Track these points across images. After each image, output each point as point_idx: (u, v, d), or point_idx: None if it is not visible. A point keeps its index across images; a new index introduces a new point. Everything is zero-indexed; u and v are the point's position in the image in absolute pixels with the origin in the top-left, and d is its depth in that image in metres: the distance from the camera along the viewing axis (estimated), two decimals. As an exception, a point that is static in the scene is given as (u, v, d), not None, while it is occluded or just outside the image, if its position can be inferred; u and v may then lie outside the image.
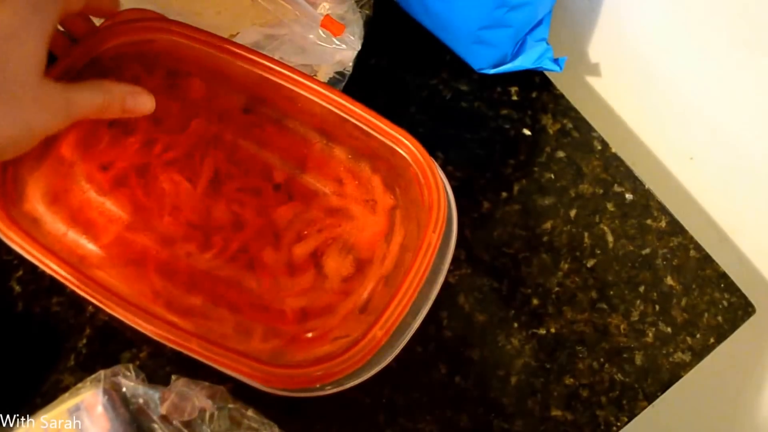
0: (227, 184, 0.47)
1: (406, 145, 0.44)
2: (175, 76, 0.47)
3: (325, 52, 0.57)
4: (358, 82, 0.58)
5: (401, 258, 0.44)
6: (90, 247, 0.43)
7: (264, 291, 0.44)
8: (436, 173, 0.43)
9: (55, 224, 0.42)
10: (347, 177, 0.47)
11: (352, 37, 0.56)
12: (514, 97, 0.63)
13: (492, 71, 0.61)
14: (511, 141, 0.62)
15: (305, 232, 0.46)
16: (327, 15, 0.53)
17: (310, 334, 0.43)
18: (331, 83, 0.58)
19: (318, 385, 0.39)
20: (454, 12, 0.56)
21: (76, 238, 0.43)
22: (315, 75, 0.58)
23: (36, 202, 0.42)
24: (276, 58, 0.58)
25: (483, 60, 0.61)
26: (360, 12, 0.59)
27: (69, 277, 0.39)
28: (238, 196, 0.46)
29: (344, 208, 0.47)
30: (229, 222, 0.46)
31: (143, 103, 0.43)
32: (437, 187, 0.42)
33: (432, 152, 0.57)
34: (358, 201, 0.47)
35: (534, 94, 0.64)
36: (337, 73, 0.58)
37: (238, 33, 0.58)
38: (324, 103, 0.45)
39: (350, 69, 0.58)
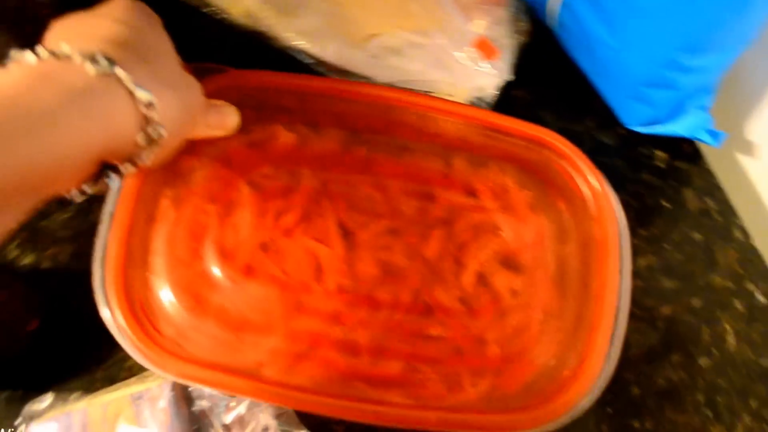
0: (361, 232, 0.43)
1: (544, 140, 0.46)
2: (259, 129, 0.44)
3: (467, 72, 0.53)
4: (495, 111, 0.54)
5: (560, 252, 0.44)
6: (262, 350, 0.40)
7: (453, 334, 0.42)
8: (580, 154, 0.45)
9: (221, 339, 0.40)
10: (480, 187, 0.46)
11: (502, 64, 0.52)
12: (659, 163, 0.58)
13: (642, 130, 0.56)
14: (646, 210, 0.57)
15: (462, 259, 0.44)
16: (484, 37, 0.49)
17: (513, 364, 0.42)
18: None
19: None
20: (621, 61, 0.51)
21: (245, 347, 0.40)
22: (451, 96, 0.54)
23: (179, 321, 0.40)
24: (413, 68, 0.55)
25: (636, 117, 0.55)
26: (515, 36, 0.54)
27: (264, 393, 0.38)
28: (379, 242, 0.43)
29: (487, 221, 0.45)
30: (380, 273, 0.42)
31: (227, 114, 0.40)
32: (589, 170, 0.44)
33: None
34: (498, 209, 0.45)
35: (681, 164, 0.58)
36: (476, 97, 0.53)
37: (380, 34, 0.54)
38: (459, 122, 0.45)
39: (493, 97, 0.53)
